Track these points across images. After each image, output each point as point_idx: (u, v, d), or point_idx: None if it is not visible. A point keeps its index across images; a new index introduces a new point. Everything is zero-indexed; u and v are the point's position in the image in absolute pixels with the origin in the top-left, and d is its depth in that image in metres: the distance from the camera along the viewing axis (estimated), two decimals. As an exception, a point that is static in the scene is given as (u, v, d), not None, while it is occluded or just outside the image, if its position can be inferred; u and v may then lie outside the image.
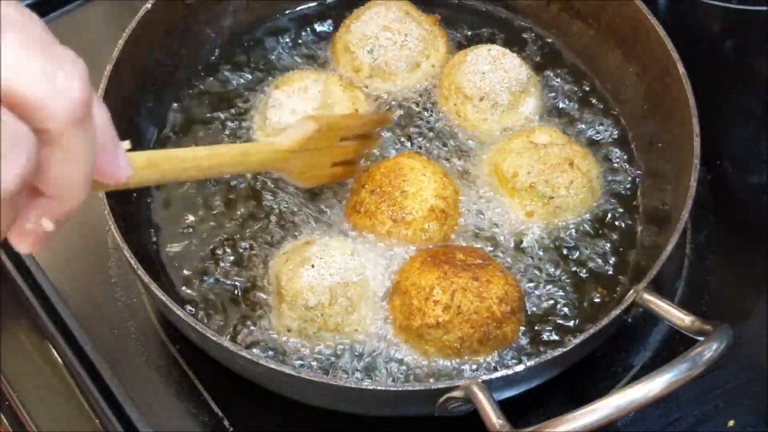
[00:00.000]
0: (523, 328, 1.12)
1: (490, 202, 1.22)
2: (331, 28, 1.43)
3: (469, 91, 1.27)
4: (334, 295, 1.08)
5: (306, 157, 1.12)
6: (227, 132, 1.30)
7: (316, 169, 1.16)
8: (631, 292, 1.02)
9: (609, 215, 1.23)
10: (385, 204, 1.16)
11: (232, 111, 1.33)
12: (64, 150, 0.61)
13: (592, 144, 1.30)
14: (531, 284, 1.16)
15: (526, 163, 1.18)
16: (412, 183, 1.17)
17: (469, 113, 1.27)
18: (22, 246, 0.68)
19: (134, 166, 0.77)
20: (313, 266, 1.09)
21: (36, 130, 0.58)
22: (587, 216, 1.22)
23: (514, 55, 1.31)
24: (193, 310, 1.15)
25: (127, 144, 0.74)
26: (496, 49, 1.30)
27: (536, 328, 1.13)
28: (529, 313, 1.13)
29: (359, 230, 1.17)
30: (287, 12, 1.45)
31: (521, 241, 1.19)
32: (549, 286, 1.16)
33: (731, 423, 1.12)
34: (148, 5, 1.25)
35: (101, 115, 0.67)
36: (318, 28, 1.43)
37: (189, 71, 1.36)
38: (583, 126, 1.32)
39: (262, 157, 1.08)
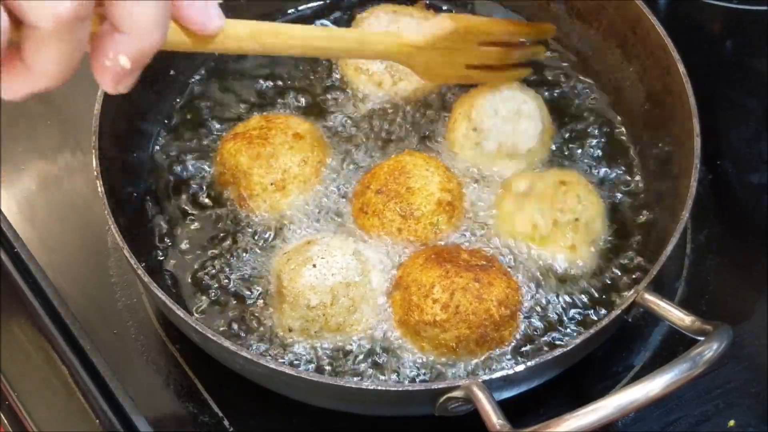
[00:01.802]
0: (521, 331, 1.12)
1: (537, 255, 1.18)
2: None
3: (479, 134, 1.24)
4: (336, 295, 1.08)
5: (435, 54, 1.09)
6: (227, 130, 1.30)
7: (446, 68, 1.13)
8: (631, 292, 1.02)
9: (610, 222, 1.23)
10: (393, 202, 1.16)
11: (234, 109, 1.33)
12: None
13: (593, 146, 1.30)
14: (532, 285, 1.16)
15: (533, 209, 1.16)
16: (416, 179, 1.17)
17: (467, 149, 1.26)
18: (103, 81, 0.72)
19: (235, 34, 0.81)
20: (314, 266, 1.09)
21: None
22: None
23: (535, 100, 1.27)
24: (194, 309, 1.15)
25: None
26: (520, 97, 1.26)
27: (536, 331, 1.13)
28: (529, 315, 1.13)
29: (368, 231, 1.17)
30: (290, 11, 1.45)
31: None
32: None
33: (731, 423, 1.12)
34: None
35: None
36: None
37: (189, 70, 1.36)
38: (582, 126, 1.32)
39: (383, 48, 1.07)
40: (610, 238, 1.21)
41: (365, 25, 1.33)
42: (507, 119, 1.23)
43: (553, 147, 1.28)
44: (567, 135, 1.30)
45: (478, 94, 1.25)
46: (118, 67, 0.70)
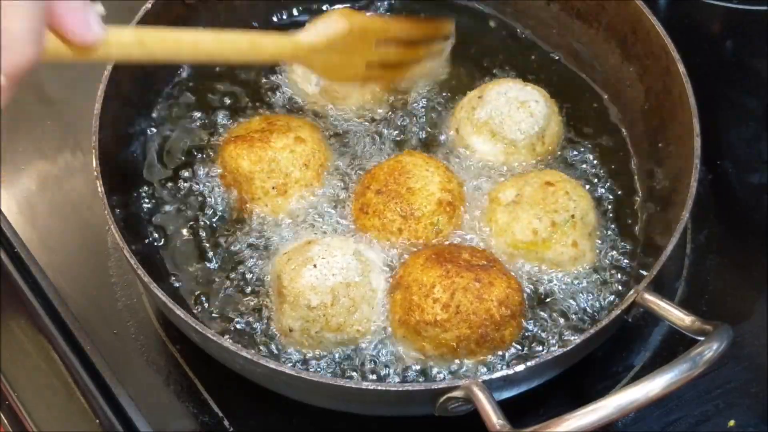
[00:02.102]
0: (522, 330, 1.12)
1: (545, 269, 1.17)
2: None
3: (479, 101, 1.26)
4: (337, 295, 1.08)
5: (332, 54, 1.08)
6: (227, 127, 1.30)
7: (345, 68, 1.13)
8: (631, 292, 1.02)
9: (610, 221, 1.23)
10: (393, 202, 1.16)
11: (235, 108, 1.33)
12: None
13: (593, 146, 1.30)
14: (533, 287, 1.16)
15: (529, 215, 1.16)
16: (417, 179, 1.18)
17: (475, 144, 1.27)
18: None
19: (118, 42, 0.79)
20: (315, 266, 1.09)
21: None
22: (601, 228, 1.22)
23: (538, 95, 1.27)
24: (194, 309, 1.15)
25: (100, 8, 0.76)
26: (521, 89, 1.27)
27: (536, 331, 1.13)
28: (530, 316, 1.14)
29: (368, 231, 1.17)
30: (284, 13, 1.45)
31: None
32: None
33: (731, 423, 1.12)
34: (148, 5, 1.25)
35: None
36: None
37: (189, 71, 1.36)
38: (582, 126, 1.32)
39: (278, 51, 1.06)
40: (608, 231, 1.21)
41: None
42: (510, 102, 1.24)
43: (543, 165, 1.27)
44: (567, 135, 1.30)
45: (504, 80, 1.30)
46: None
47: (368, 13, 1.17)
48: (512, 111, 1.24)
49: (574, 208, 1.15)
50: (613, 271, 1.18)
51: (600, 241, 1.20)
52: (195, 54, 0.97)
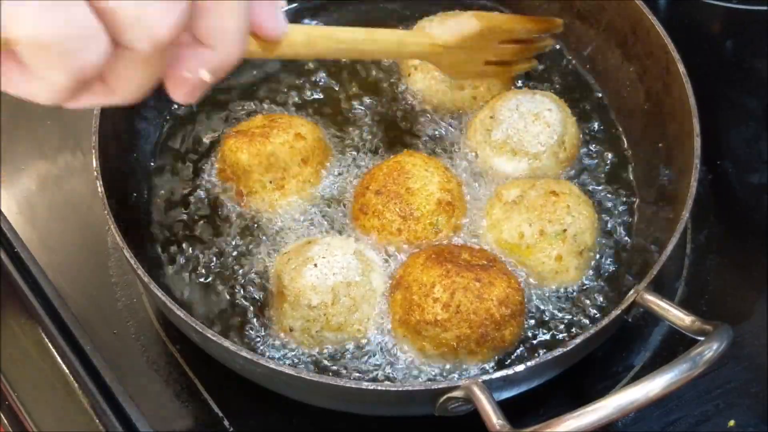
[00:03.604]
0: (522, 330, 1.12)
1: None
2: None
3: (493, 121, 1.25)
4: (337, 295, 1.08)
5: (460, 53, 1.16)
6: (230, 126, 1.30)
7: (468, 65, 1.20)
8: (631, 292, 1.02)
9: (609, 221, 1.23)
10: (393, 203, 1.16)
11: (234, 108, 1.33)
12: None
13: (592, 146, 1.30)
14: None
15: (521, 218, 1.16)
16: (416, 179, 1.17)
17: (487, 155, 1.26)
18: (176, 93, 0.70)
19: (292, 41, 0.83)
20: (315, 265, 1.09)
21: None
22: (603, 225, 1.22)
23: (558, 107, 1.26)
24: (194, 309, 1.15)
25: (282, 2, 0.79)
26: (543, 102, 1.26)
27: (536, 331, 1.13)
28: (530, 316, 1.14)
29: (368, 231, 1.17)
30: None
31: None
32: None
33: (732, 423, 1.12)
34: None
35: None
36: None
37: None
38: (581, 127, 1.32)
39: (418, 49, 1.13)
40: (606, 242, 1.21)
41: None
42: (524, 116, 1.23)
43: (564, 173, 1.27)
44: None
45: (510, 92, 1.29)
46: (196, 80, 0.69)
47: (495, 13, 1.28)
48: (528, 125, 1.23)
49: (569, 224, 1.14)
50: (613, 271, 1.18)
51: (590, 255, 1.18)
52: (351, 51, 1.03)
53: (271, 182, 1.20)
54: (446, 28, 1.16)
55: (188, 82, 0.69)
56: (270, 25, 0.78)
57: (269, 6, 0.77)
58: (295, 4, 1.46)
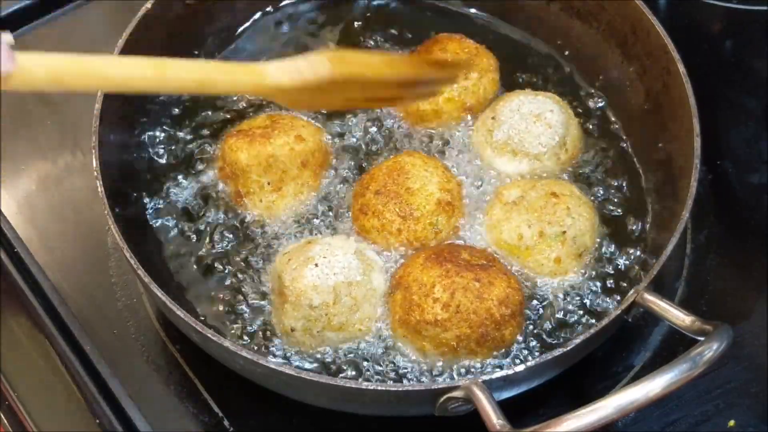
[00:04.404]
0: (522, 330, 1.12)
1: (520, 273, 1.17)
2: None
3: (494, 122, 1.25)
4: (338, 294, 1.08)
5: (303, 93, 0.95)
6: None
7: (319, 103, 1.03)
8: (631, 292, 1.02)
9: (609, 222, 1.23)
10: (392, 203, 1.16)
11: (234, 110, 1.33)
12: None
13: (592, 146, 1.30)
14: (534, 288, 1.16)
15: (521, 219, 1.16)
16: (416, 179, 1.17)
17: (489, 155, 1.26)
18: None
19: (25, 77, 0.72)
20: (317, 265, 1.09)
21: None
22: (601, 229, 1.21)
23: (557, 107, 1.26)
24: (194, 309, 1.15)
25: (9, 37, 0.68)
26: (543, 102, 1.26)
27: (536, 331, 1.13)
28: (530, 317, 1.13)
29: (368, 232, 1.17)
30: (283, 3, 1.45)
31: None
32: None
33: (732, 423, 1.12)
34: (148, 5, 1.25)
35: None
36: (317, 18, 1.44)
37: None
38: (582, 126, 1.32)
39: (234, 88, 0.96)
40: (606, 242, 1.21)
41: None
42: (525, 117, 1.23)
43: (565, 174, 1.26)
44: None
45: (513, 93, 1.28)
46: None
47: (363, 53, 1.04)
48: (529, 126, 1.23)
49: (569, 225, 1.14)
50: (613, 271, 1.18)
51: (589, 257, 1.18)
52: (126, 90, 0.88)
53: (269, 183, 1.20)
54: (286, 68, 0.94)
55: None
56: None
57: None
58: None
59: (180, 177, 1.26)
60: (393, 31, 1.42)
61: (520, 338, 1.11)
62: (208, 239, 1.21)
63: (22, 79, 0.73)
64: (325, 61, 0.93)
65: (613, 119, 1.33)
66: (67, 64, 0.77)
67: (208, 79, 0.92)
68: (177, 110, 1.33)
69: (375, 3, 1.46)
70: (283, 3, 1.45)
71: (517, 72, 1.37)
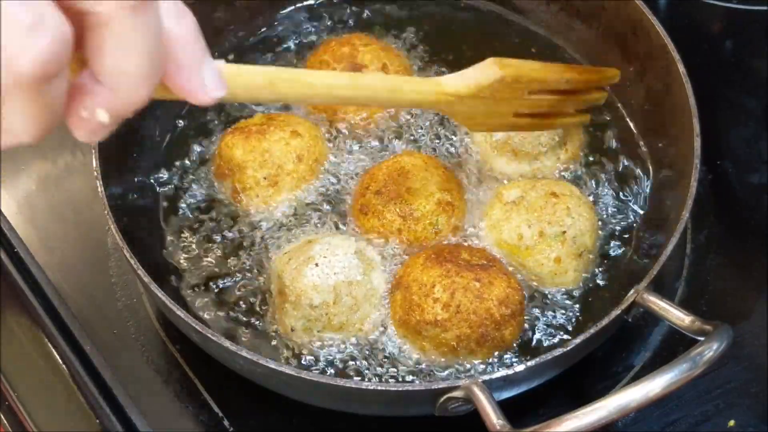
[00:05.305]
0: (522, 330, 1.12)
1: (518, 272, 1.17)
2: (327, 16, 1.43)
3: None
4: (339, 294, 1.08)
5: (478, 103, 1.01)
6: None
7: (491, 117, 1.05)
8: (631, 292, 1.02)
9: (611, 223, 1.23)
10: (393, 203, 1.16)
11: (236, 108, 1.33)
12: (116, 36, 0.58)
13: (594, 147, 1.30)
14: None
15: (521, 219, 1.15)
16: (416, 179, 1.18)
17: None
18: (77, 132, 0.64)
19: (246, 84, 0.76)
20: (317, 265, 1.09)
21: (82, 12, 0.57)
22: (603, 225, 1.21)
23: None
24: (194, 309, 1.15)
25: (221, 63, 0.70)
26: None
27: (536, 331, 1.13)
28: (530, 316, 1.14)
29: (368, 232, 1.17)
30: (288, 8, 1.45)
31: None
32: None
33: (732, 423, 1.12)
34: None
35: (183, 25, 0.65)
36: (314, 26, 1.44)
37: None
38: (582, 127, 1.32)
39: (419, 97, 0.98)
40: (606, 242, 1.21)
41: None
42: None
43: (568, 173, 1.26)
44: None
45: None
46: (94, 121, 0.63)
47: (523, 60, 1.07)
48: None
49: (569, 225, 1.14)
50: (612, 271, 1.18)
51: (590, 258, 1.18)
52: (328, 98, 0.92)
53: (265, 178, 1.20)
54: (460, 75, 1.01)
55: (85, 123, 0.63)
56: (191, 91, 0.68)
57: (191, 70, 0.67)
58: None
59: (180, 176, 1.26)
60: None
61: (520, 338, 1.11)
62: (208, 237, 1.21)
63: (239, 86, 0.76)
64: (493, 64, 1.01)
65: (612, 120, 1.33)
66: (280, 74, 0.81)
67: (396, 87, 0.96)
68: (178, 110, 1.33)
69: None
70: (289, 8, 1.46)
71: (517, 72, 1.37)
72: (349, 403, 1.05)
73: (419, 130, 1.30)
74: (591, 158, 1.28)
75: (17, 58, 0.54)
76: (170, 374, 1.17)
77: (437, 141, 1.29)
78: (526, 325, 1.12)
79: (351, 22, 1.43)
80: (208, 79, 0.68)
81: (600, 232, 1.20)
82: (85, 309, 1.21)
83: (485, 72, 1.00)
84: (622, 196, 1.25)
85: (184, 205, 1.24)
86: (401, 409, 1.06)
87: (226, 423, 1.13)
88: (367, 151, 1.28)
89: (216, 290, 1.17)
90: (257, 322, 1.14)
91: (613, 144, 1.31)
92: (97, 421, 1.11)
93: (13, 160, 1.37)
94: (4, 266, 1.23)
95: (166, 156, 1.28)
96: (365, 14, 1.44)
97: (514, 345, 1.10)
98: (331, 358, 1.10)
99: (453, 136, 1.29)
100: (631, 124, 1.31)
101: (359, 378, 1.09)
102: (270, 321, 1.13)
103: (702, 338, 0.93)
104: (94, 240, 1.28)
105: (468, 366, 1.09)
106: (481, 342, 1.07)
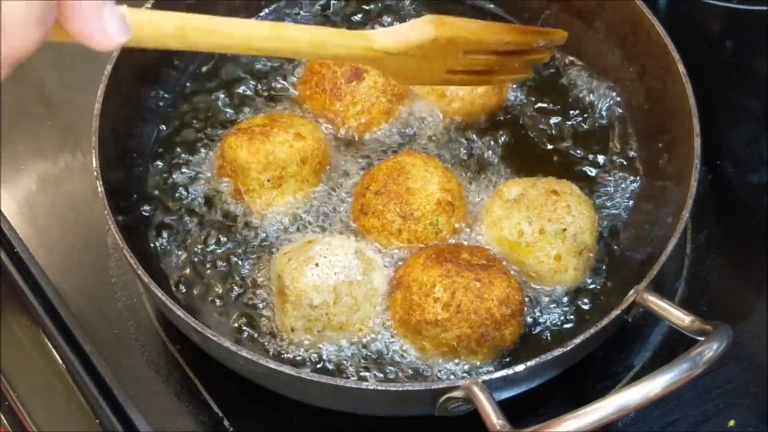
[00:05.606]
0: (522, 330, 1.12)
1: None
2: (330, 15, 1.43)
3: None
4: (339, 294, 1.08)
5: (409, 60, 0.98)
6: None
7: (422, 73, 1.03)
8: (631, 292, 1.02)
9: (610, 221, 1.23)
10: (393, 203, 1.16)
11: (235, 108, 1.33)
12: None
13: (592, 146, 1.30)
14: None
15: (521, 216, 1.16)
16: (416, 179, 1.17)
17: None
18: None
19: (155, 31, 0.74)
20: (317, 265, 1.09)
21: None
22: (603, 225, 1.22)
23: None
24: (193, 309, 1.15)
25: (124, 9, 0.68)
26: None
27: (537, 331, 1.13)
28: (530, 316, 1.14)
29: (368, 232, 1.17)
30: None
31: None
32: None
33: (732, 423, 1.13)
34: (148, 5, 1.25)
35: None
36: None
37: (190, 70, 1.36)
38: (581, 127, 1.32)
39: (345, 52, 0.96)
40: (606, 240, 1.21)
41: None
42: None
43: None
44: (567, 135, 1.30)
45: None
46: None
47: (463, 18, 1.04)
48: None
49: (569, 223, 1.14)
50: (612, 271, 1.18)
51: (590, 256, 1.18)
52: (246, 50, 0.90)
53: (269, 181, 1.20)
54: (391, 32, 0.98)
55: None
56: (91, 37, 0.66)
57: (90, 15, 0.65)
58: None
59: (180, 176, 1.26)
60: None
61: (520, 338, 1.11)
62: (208, 238, 1.21)
63: (149, 33, 0.75)
64: (428, 23, 0.98)
65: (612, 119, 1.33)
66: (190, 20, 0.79)
67: (320, 41, 0.94)
68: (178, 111, 1.33)
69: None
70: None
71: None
72: (349, 403, 1.05)
73: (422, 134, 1.30)
74: (591, 157, 1.28)
75: None
76: (170, 374, 1.17)
77: (438, 140, 1.29)
78: (527, 326, 1.12)
79: (357, 18, 1.44)
80: (108, 23, 0.66)
81: (600, 230, 1.20)
82: (85, 309, 1.21)
83: (418, 30, 0.97)
84: (622, 196, 1.25)
85: (184, 205, 1.24)
86: (401, 409, 1.06)
87: (226, 423, 1.13)
88: (368, 151, 1.28)
89: (216, 290, 1.17)
90: (257, 322, 1.13)
91: (613, 144, 1.31)
92: (97, 421, 1.11)
93: (13, 160, 1.37)
94: (4, 266, 1.23)
95: (167, 156, 1.28)
96: (370, 6, 1.45)
97: (515, 345, 1.10)
98: (331, 358, 1.10)
99: (447, 132, 1.29)
100: (631, 124, 1.31)
101: (359, 378, 1.09)
102: (270, 321, 1.13)
103: (702, 338, 0.93)
104: (94, 240, 1.28)
105: (468, 366, 1.09)
106: (481, 342, 1.07)
